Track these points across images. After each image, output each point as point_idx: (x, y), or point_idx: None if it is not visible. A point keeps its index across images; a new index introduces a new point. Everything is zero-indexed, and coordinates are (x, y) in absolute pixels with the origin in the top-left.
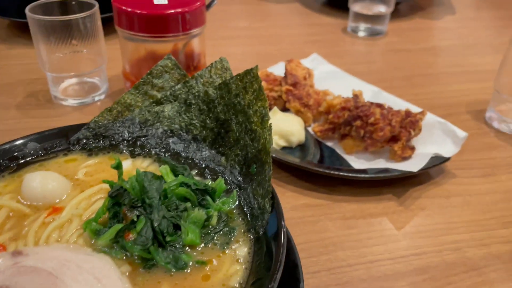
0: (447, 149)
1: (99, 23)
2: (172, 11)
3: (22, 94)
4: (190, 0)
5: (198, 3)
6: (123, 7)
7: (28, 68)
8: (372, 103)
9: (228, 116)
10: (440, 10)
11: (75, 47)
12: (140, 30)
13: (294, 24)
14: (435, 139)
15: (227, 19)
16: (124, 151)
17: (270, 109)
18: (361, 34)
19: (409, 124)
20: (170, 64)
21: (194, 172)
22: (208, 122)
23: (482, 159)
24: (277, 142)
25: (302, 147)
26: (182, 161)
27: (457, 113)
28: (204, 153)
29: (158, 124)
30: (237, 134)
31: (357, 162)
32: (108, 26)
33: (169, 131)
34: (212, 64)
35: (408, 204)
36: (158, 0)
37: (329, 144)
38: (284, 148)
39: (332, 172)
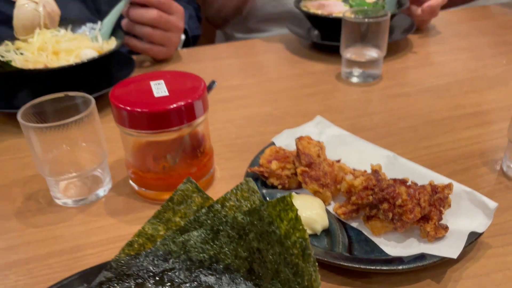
0: (479, 222)
1: (97, 117)
2: (174, 105)
3: (20, 197)
4: (192, 87)
5: (201, 90)
6: (122, 105)
7: (21, 163)
8: (395, 180)
9: (263, 245)
10: (430, 42)
11: (73, 142)
12: (142, 128)
13: (286, 76)
14: (465, 212)
15: (219, 78)
16: None
17: (285, 188)
18: (355, 80)
19: (438, 201)
20: (191, 188)
21: None
22: (240, 250)
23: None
24: None
25: (327, 233)
26: None
27: (474, 166)
28: (239, 286)
29: (185, 255)
30: (276, 266)
31: (388, 245)
32: (104, 103)
33: (197, 262)
34: (237, 186)
35: None
36: (158, 92)
37: (354, 225)
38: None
39: (368, 267)
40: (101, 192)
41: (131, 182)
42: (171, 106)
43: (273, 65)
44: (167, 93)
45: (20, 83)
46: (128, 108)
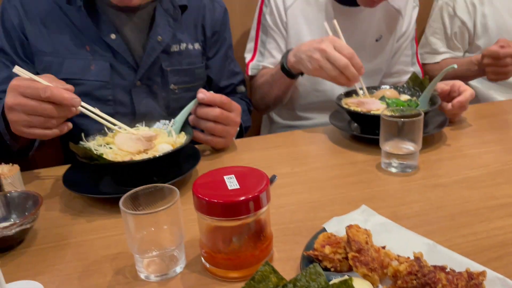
0: None
1: (180, 205)
2: (244, 198)
3: (110, 272)
4: (258, 181)
5: (265, 184)
6: (201, 196)
7: (109, 241)
8: (435, 267)
9: None
10: (462, 134)
11: (159, 225)
12: (216, 215)
13: (331, 165)
14: None
15: (270, 166)
16: None
17: (337, 270)
18: (394, 170)
19: (474, 287)
20: (268, 269)
21: None
22: None
23: None
24: None
25: None
26: None
27: (507, 254)
28: None
29: None
30: None
31: None
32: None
33: None
34: (306, 270)
35: None
36: (231, 185)
37: None
38: None
39: None
40: (178, 269)
41: (203, 260)
42: (241, 198)
43: (318, 155)
44: (238, 186)
45: (107, 172)
46: (207, 198)
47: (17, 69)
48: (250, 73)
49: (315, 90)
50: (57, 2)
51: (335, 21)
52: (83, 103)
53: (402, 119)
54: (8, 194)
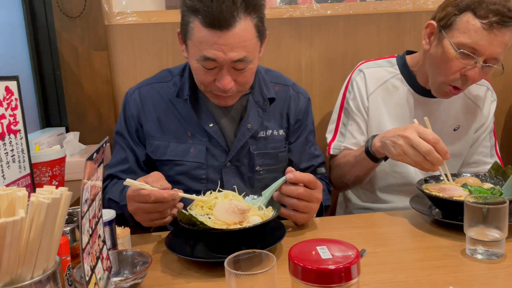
0: None
1: (275, 270)
2: (336, 267)
3: None
4: (349, 253)
5: (356, 256)
6: (297, 262)
7: None
8: None
9: None
10: None
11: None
12: (310, 281)
13: (413, 248)
14: None
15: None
16: None
17: None
18: (480, 257)
19: None
20: None
21: None
22: None
23: None
24: None
25: None
26: None
27: None
28: None
29: None
30: None
31: None
32: None
33: None
34: None
35: None
36: (324, 254)
37: None
38: None
39: None
40: None
41: None
42: (334, 267)
43: (399, 237)
44: (330, 256)
45: (205, 238)
46: (302, 264)
47: (128, 182)
48: (331, 152)
49: (394, 172)
50: (168, 95)
51: (426, 119)
52: (180, 193)
53: (487, 206)
54: (124, 252)
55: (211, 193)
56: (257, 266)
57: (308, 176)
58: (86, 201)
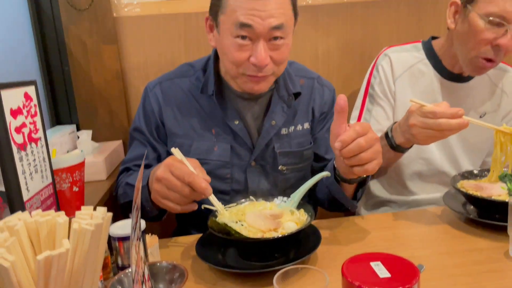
0: None
1: None
2: None
3: None
4: (408, 271)
5: (417, 275)
6: (350, 280)
7: None
8: None
9: None
10: None
11: None
12: None
13: (454, 251)
14: None
15: (390, 249)
16: None
17: None
18: None
19: None
20: None
21: None
22: None
23: None
24: None
25: None
26: None
27: None
28: None
29: None
30: None
31: None
32: None
33: None
34: None
35: None
36: (381, 272)
37: None
38: None
39: None
40: None
41: None
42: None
43: (436, 239)
44: (389, 275)
45: (239, 247)
46: (356, 283)
47: (174, 150)
48: None
49: (420, 158)
50: (191, 91)
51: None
52: (212, 195)
53: None
54: (158, 264)
55: (236, 204)
56: (308, 283)
57: (352, 128)
58: (134, 228)
